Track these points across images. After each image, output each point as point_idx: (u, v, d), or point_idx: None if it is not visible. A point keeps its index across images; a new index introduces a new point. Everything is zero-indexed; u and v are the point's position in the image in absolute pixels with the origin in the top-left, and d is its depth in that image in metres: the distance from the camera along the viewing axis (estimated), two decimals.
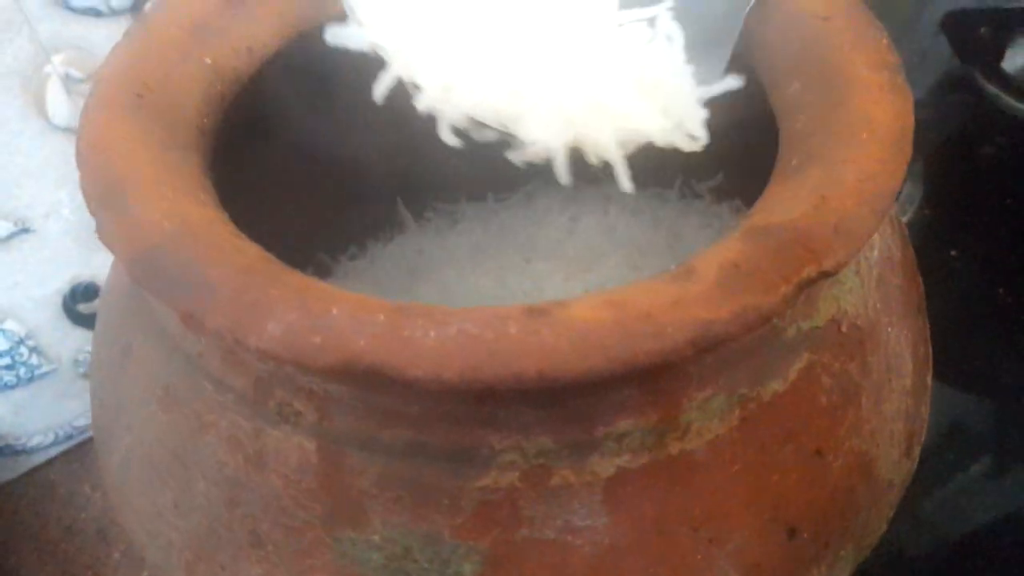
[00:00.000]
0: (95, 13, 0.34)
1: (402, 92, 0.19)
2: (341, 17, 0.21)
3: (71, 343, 0.42)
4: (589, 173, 0.19)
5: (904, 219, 0.40)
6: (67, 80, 0.35)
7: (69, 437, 0.45)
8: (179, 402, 0.16)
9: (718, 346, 0.13)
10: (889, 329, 0.17)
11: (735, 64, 0.19)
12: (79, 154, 0.16)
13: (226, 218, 0.16)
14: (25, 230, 0.37)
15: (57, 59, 0.34)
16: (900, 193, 0.42)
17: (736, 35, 0.19)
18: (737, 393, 0.14)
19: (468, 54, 0.18)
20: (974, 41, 0.49)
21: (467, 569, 0.14)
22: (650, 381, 0.14)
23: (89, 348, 0.43)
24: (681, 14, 0.18)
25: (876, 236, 0.17)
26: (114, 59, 0.18)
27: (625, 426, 0.14)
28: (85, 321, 0.42)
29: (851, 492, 0.16)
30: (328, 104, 0.26)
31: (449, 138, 0.18)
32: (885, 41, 0.17)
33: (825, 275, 0.13)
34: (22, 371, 0.42)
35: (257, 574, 0.16)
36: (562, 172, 0.18)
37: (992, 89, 0.46)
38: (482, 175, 0.31)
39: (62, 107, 0.35)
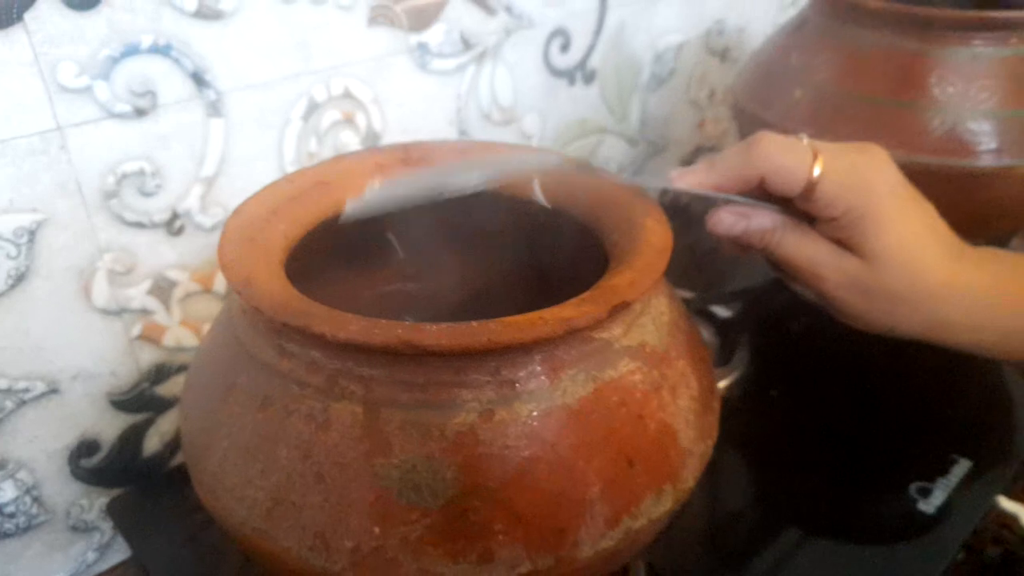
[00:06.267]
0: (140, 225, 0.48)
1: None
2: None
3: (67, 495, 0.51)
4: None
5: (739, 372, 0.56)
6: (111, 273, 0.48)
7: None
8: (273, 403, 0.28)
9: (579, 331, 0.26)
10: (677, 358, 0.31)
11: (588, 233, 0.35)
12: (224, 264, 0.29)
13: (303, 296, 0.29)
14: (54, 391, 0.48)
15: (107, 257, 0.47)
16: (734, 354, 0.57)
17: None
18: (591, 374, 0.28)
19: None
20: None
21: (449, 475, 0.26)
22: (546, 360, 0.27)
23: (81, 502, 0.51)
24: None
25: (666, 306, 0.32)
26: (232, 222, 0.32)
27: (534, 385, 0.27)
28: (83, 475, 0.51)
29: (664, 447, 0.30)
30: (338, 256, 0.41)
31: None
32: (658, 207, 0.33)
33: (626, 304, 0.28)
34: (21, 520, 0.49)
35: (318, 500, 0.27)
36: None
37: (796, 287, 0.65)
38: None
39: (103, 293, 0.48)
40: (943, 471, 0.47)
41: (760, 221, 0.36)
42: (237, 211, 0.33)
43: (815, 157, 0.34)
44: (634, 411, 0.29)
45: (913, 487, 0.46)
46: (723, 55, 0.82)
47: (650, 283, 0.29)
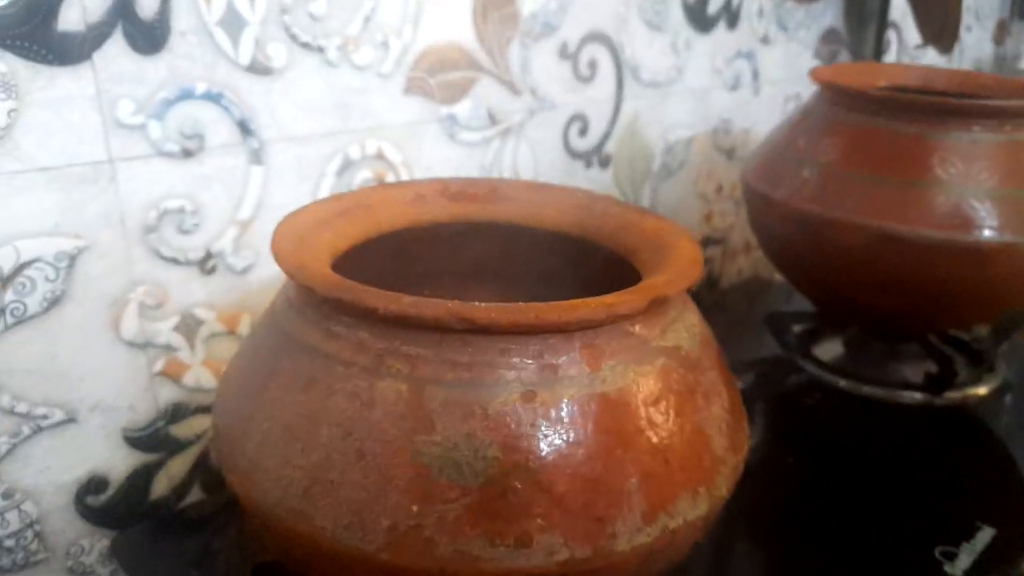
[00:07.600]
0: (175, 261, 0.49)
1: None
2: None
3: (69, 534, 0.50)
4: None
5: (753, 441, 0.56)
6: (142, 306, 0.49)
7: None
8: (317, 383, 0.29)
9: (619, 321, 0.28)
10: (709, 368, 0.32)
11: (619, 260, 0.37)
12: (278, 254, 0.31)
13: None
14: (72, 420, 0.48)
15: (140, 290, 0.48)
16: (750, 422, 0.57)
17: None
18: (629, 367, 0.29)
19: None
20: (791, 335, 0.70)
21: (489, 453, 0.27)
22: (587, 347, 0.28)
23: (82, 542, 0.50)
24: None
25: (698, 321, 0.33)
26: (284, 223, 0.34)
27: (575, 371, 0.28)
28: (88, 514, 0.50)
29: (698, 450, 0.30)
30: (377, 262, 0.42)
31: None
32: (687, 230, 0.35)
33: (663, 298, 0.29)
34: (19, 556, 0.48)
35: (357, 478, 0.27)
36: None
37: (808, 367, 0.66)
38: None
39: (132, 325, 0.49)
40: (968, 537, 0.47)
41: None
42: (287, 217, 0.34)
43: None
44: (670, 409, 0.29)
45: (938, 550, 0.46)
46: (730, 153, 0.86)
47: (685, 284, 0.30)
